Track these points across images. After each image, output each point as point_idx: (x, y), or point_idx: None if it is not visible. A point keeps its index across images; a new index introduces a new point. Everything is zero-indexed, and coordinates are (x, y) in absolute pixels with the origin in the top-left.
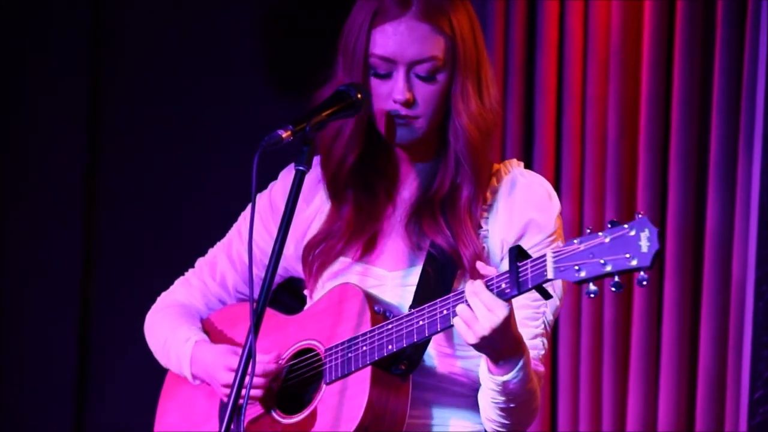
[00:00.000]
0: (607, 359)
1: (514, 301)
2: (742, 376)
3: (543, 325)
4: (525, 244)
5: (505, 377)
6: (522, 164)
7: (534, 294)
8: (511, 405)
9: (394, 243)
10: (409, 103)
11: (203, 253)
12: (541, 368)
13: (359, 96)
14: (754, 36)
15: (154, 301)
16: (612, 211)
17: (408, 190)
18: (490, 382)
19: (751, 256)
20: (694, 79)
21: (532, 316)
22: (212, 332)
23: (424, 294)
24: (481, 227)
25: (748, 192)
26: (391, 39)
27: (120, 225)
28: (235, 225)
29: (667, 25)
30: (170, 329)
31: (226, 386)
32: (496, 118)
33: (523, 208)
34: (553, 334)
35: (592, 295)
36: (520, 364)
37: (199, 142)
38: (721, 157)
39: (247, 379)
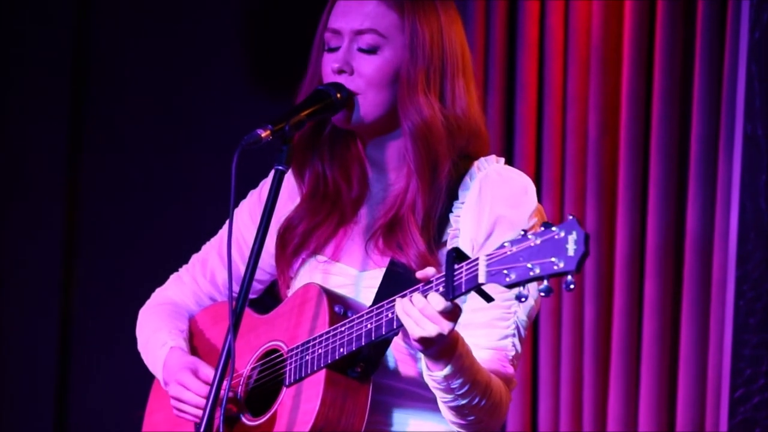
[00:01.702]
0: (588, 359)
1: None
2: (723, 375)
3: (514, 326)
4: (495, 243)
5: (445, 371)
6: (502, 160)
7: (504, 294)
8: (461, 402)
9: (364, 244)
10: (344, 72)
11: (184, 253)
12: (511, 369)
13: (339, 96)
14: (734, 35)
15: (135, 302)
16: (593, 209)
17: (377, 196)
18: (431, 380)
19: (732, 254)
20: (674, 77)
21: (502, 316)
22: (196, 331)
23: (384, 296)
24: (450, 225)
25: (729, 190)
26: (341, 9)
27: (101, 225)
28: (227, 221)
29: (647, 23)
30: (153, 330)
31: (173, 398)
32: (460, 125)
33: (493, 204)
34: (533, 334)
35: (523, 299)
36: (455, 354)
37: (180, 142)
38: (701, 155)
39: (225, 383)
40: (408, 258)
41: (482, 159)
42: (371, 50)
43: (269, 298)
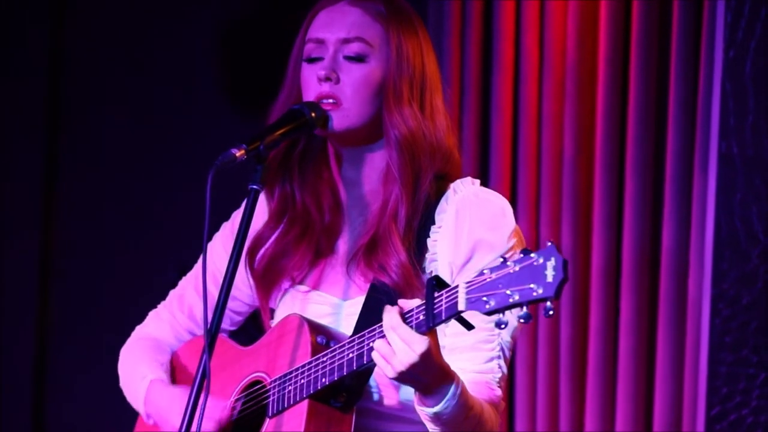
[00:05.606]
0: (564, 377)
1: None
2: (699, 392)
3: (499, 348)
4: (476, 266)
5: (436, 409)
6: (478, 182)
7: (488, 316)
8: None
9: (345, 272)
10: (330, 80)
11: (159, 270)
12: (499, 392)
13: (313, 115)
14: (709, 54)
15: (111, 319)
16: (568, 229)
17: (355, 221)
18: (422, 413)
19: (707, 273)
20: (649, 97)
21: (486, 338)
22: (178, 366)
23: (365, 324)
24: (428, 250)
25: (704, 209)
26: (323, 20)
27: (76, 242)
28: (202, 256)
29: (622, 42)
30: (132, 365)
31: None
32: (439, 142)
33: (471, 228)
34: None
35: (502, 326)
36: (449, 394)
37: (158, 159)
38: (676, 174)
39: (199, 410)
40: (389, 273)
41: (458, 181)
42: (359, 58)
43: (253, 328)
